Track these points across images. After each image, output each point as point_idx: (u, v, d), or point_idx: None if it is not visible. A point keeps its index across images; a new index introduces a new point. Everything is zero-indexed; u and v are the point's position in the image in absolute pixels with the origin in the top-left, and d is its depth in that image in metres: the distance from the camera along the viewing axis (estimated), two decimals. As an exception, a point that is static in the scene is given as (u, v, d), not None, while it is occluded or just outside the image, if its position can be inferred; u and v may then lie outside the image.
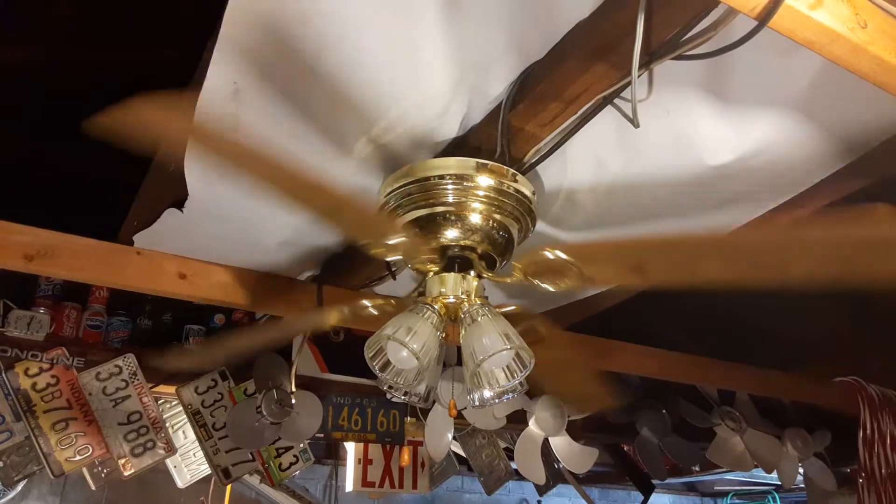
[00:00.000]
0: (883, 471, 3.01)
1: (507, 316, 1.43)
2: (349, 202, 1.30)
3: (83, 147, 2.16)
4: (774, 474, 3.19)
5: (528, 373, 1.37)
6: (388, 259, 1.55)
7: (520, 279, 1.40)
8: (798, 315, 2.96)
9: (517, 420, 2.73)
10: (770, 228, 1.04)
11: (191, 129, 1.05)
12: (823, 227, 1.03)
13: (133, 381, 2.33)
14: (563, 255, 1.27)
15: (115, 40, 1.88)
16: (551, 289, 1.39)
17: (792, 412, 3.29)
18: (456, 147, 1.56)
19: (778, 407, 3.28)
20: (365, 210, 1.41)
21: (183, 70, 1.73)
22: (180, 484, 2.71)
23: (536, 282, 1.39)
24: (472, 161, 1.45)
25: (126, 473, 2.26)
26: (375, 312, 1.55)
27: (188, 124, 1.04)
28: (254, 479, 3.60)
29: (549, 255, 1.29)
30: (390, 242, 1.39)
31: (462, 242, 1.47)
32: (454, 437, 2.85)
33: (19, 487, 3.23)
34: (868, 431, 3.04)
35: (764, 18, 1.00)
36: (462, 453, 3.18)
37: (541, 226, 1.78)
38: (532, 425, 2.71)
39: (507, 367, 1.37)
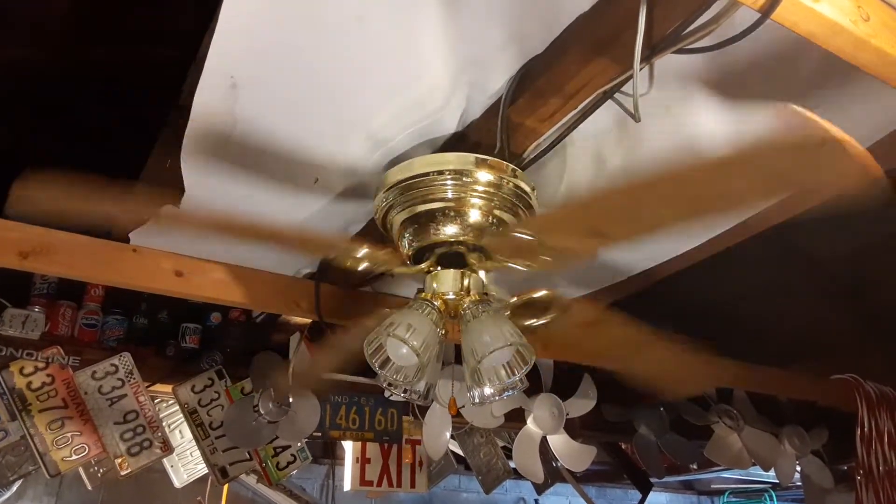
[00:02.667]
0: (881, 468, 3.01)
1: (538, 300, 1.43)
2: (312, 240, 1.41)
3: (79, 144, 2.16)
4: (772, 472, 3.20)
5: (528, 369, 1.36)
6: (359, 269, 1.57)
7: (498, 264, 1.41)
8: (795, 312, 2.96)
9: (515, 418, 2.72)
10: (710, 160, 1.02)
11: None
12: (754, 145, 0.99)
13: (129, 380, 2.32)
14: (524, 234, 1.28)
15: (111, 38, 1.87)
16: (523, 269, 1.40)
17: (789, 410, 3.29)
18: (455, 142, 1.56)
19: (775, 404, 3.28)
20: (322, 238, 1.55)
21: (179, 67, 1.72)
22: (177, 483, 2.70)
23: (510, 264, 1.39)
24: (471, 156, 1.44)
25: (122, 473, 2.25)
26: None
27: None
28: (251, 479, 3.59)
29: (514, 235, 1.30)
30: (358, 256, 1.47)
31: (461, 238, 1.46)
32: (452, 436, 2.85)
33: (15, 487, 3.20)
34: (866, 429, 3.05)
35: (767, 11, 1.00)
36: (460, 452, 3.18)
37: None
38: (530, 423, 2.70)
39: (508, 363, 1.36)
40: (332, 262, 1.50)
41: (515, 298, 1.54)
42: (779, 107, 0.92)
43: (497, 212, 1.47)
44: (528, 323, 1.56)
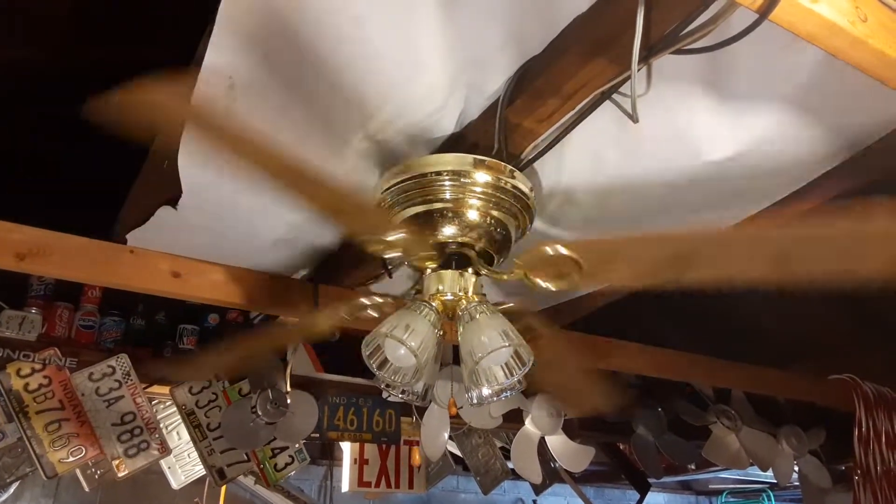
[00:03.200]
0: (878, 468, 3.01)
1: (503, 313, 1.42)
2: (347, 197, 1.28)
3: (76, 145, 2.15)
4: (770, 472, 3.19)
5: (527, 370, 1.36)
6: (385, 256, 1.53)
7: (519, 277, 1.39)
8: (793, 313, 2.96)
9: (513, 419, 2.72)
10: (773, 223, 1.04)
11: (188, 110, 1.03)
12: (826, 222, 1.03)
13: (126, 382, 2.31)
14: (565, 251, 1.26)
15: (110, 38, 1.87)
16: (552, 287, 1.38)
17: (787, 410, 3.29)
18: (453, 143, 1.56)
19: (773, 405, 3.28)
20: (363, 205, 1.40)
21: (178, 67, 1.71)
22: (175, 485, 2.70)
23: (537, 280, 1.37)
24: (469, 157, 1.44)
25: (120, 474, 2.24)
26: (375, 314, 1.54)
27: (186, 105, 1.03)
28: (248, 480, 3.59)
29: (549, 251, 1.28)
30: (389, 239, 1.38)
31: (459, 239, 1.46)
32: (450, 437, 2.84)
33: (12, 489, 3.19)
34: (863, 429, 3.05)
35: (765, 11, 1.00)
36: (458, 453, 3.17)
37: (538, 223, 1.77)
38: (528, 424, 2.70)
39: (506, 364, 1.36)
40: (361, 243, 1.42)
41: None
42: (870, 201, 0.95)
43: (495, 212, 1.47)
44: None
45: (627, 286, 2.27)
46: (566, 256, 1.27)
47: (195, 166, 1.53)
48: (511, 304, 1.51)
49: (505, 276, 1.45)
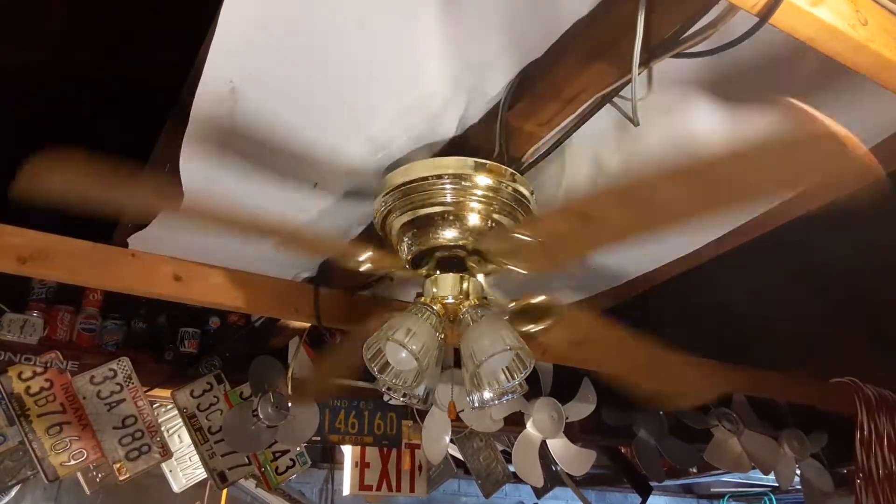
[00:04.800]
0: (880, 471, 3.01)
1: (536, 306, 1.43)
2: (309, 239, 1.44)
3: (76, 146, 2.15)
4: (771, 476, 3.19)
5: (528, 373, 1.36)
6: (360, 271, 1.57)
7: (498, 266, 1.41)
8: (794, 316, 2.96)
9: (514, 422, 2.72)
10: (710, 156, 1.03)
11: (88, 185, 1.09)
12: (754, 142, 0.99)
13: (128, 385, 2.31)
14: (524, 235, 1.28)
15: (109, 42, 1.87)
16: (525, 271, 1.39)
17: (789, 413, 3.29)
18: (454, 146, 1.55)
19: (775, 408, 3.28)
20: (324, 240, 1.55)
21: (178, 71, 1.72)
22: (176, 488, 2.70)
23: (509, 266, 1.39)
24: (470, 160, 1.44)
25: (121, 478, 2.24)
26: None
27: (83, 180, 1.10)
28: (250, 483, 3.58)
29: (512, 237, 1.31)
30: (360, 259, 1.48)
31: (460, 242, 1.46)
32: (451, 440, 2.84)
33: (13, 493, 3.19)
34: (865, 432, 3.04)
35: (765, 15, 1.00)
36: (459, 456, 3.17)
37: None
38: (530, 427, 2.70)
39: (507, 367, 1.36)
40: (335, 263, 1.49)
41: (513, 304, 1.54)
42: (780, 102, 0.91)
43: (496, 216, 1.47)
44: (525, 329, 1.56)
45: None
46: (523, 239, 1.29)
47: (196, 170, 1.53)
48: (542, 297, 1.52)
49: (488, 269, 1.47)
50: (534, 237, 1.30)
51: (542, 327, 1.57)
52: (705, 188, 1.09)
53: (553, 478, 3.34)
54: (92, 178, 1.11)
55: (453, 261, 1.47)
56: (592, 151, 1.58)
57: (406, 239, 1.50)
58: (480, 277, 1.50)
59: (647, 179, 1.11)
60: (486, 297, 1.48)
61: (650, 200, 1.14)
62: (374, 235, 1.72)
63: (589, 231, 1.26)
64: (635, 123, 1.29)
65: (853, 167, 0.90)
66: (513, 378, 1.36)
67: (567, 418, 2.72)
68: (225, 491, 3.07)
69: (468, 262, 1.47)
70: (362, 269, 1.54)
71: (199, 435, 2.41)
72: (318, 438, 2.60)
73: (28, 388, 2.17)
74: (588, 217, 1.23)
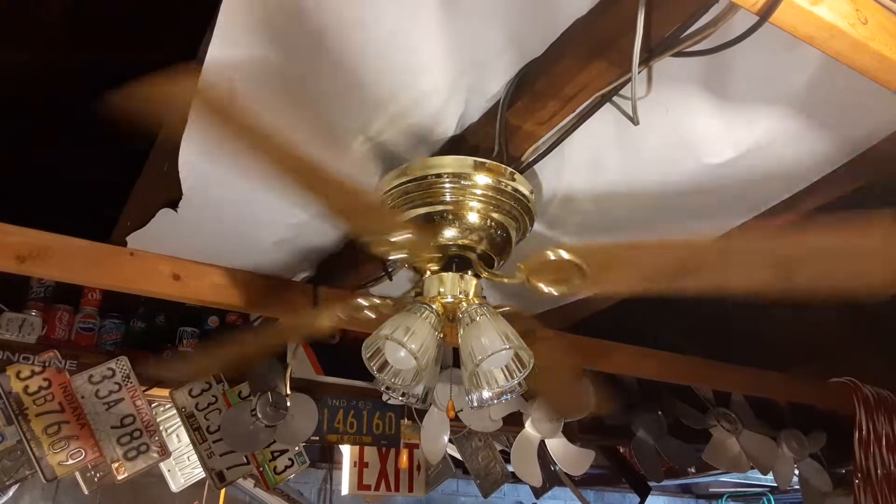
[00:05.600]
0: (879, 471, 3.01)
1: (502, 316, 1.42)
2: (355, 195, 1.28)
3: (76, 147, 2.15)
4: (770, 476, 3.19)
5: (527, 373, 1.35)
6: (388, 258, 1.53)
7: (522, 280, 1.39)
8: (793, 316, 2.96)
9: (513, 422, 2.72)
10: (774, 232, 1.04)
11: (195, 94, 1.02)
12: (825, 232, 1.04)
13: (126, 384, 2.31)
14: (568, 256, 1.26)
15: (106, 40, 1.86)
16: (554, 291, 1.38)
17: (787, 413, 3.29)
18: (454, 145, 1.55)
19: (773, 408, 3.28)
20: (371, 204, 1.39)
21: (177, 68, 1.71)
22: (174, 488, 2.69)
23: (538, 284, 1.37)
24: (469, 159, 1.44)
25: (119, 477, 2.23)
26: (372, 315, 1.54)
27: (193, 91, 1.02)
28: (248, 483, 3.58)
29: (551, 255, 1.28)
30: (393, 240, 1.38)
31: (460, 242, 1.46)
32: (450, 440, 2.84)
33: (11, 492, 3.19)
34: (864, 432, 3.04)
35: (765, 14, 1.00)
36: (458, 456, 3.17)
37: (538, 225, 1.77)
38: (528, 427, 2.70)
39: (506, 367, 1.36)
40: (365, 244, 1.43)
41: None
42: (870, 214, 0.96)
43: (495, 215, 1.47)
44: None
45: (628, 292, 2.27)
46: (569, 261, 1.27)
47: (196, 168, 1.53)
48: (508, 307, 1.51)
49: (506, 280, 1.45)
50: (583, 264, 1.28)
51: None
52: (760, 265, 1.12)
53: (552, 478, 3.34)
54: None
55: (453, 260, 1.47)
56: (592, 150, 1.58)
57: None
58: (484, 281, 1.49)
59: (705, 244, 1.13)
60: (485, 297, 1.48)
61: (704, 268, 1.17)
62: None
63: (637, 271, 1.27)
64: (635, 122, 1.29)
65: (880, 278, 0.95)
66: (512, 378, 1.36)
67: (566, 418, 2.71)
68: (223, 490, 3.07)
69: (468, 262, 1.47)
70: (392, 254, 1.48)
71: (198, 434, 2.40)
72: (317, 438, 2.59)
73: (26, 387, 2.17)
74: (641, 259, 1.24)
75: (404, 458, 3.16)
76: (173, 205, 1.68)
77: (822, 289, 1.12)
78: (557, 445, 2.71)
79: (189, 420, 2.41)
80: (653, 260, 1.27)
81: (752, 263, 1.18)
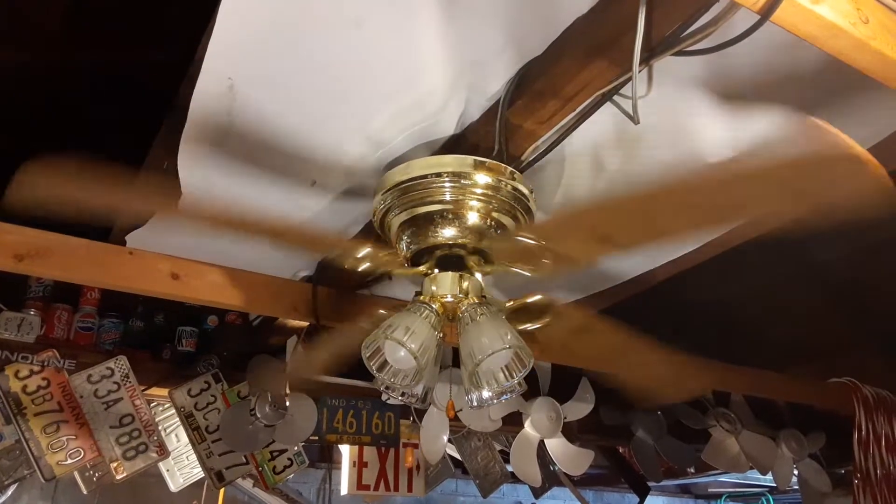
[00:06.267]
0: (878, 472, 3.01)
1: (533, 305, 1.43)
2: (307, 235, 1.42)
3: (74, 146, 2.15)
4: (769, 476, 3.19)
5: (526, 372, 1.35)
6: (359, 269, 1.56)
7: (503, 268, 1.40)
8: (793, 316, 2.96)
9: (513, 422, 2.72)
10: (726, 169, 1.03)
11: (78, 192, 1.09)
12: (772, 159, 1.01)
13: (125, 384, 2.31)
14: (529, 238, 1.27)
15: (106, 41, 1.86)
16: (529, 274, 1.39)
17: (787, 413, 3.29)
18: (453, 144, 1.55)
19: (773, 408, 3.28)
20: (323, 237, 1.54)
21: (175, 70, 1.71)
22: (173, 488, 2.69)
23: (516, 269, 1.38)
24: (469, 159, 1.43)
25: (118, 477, 2.23)
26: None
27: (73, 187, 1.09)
28: (247, 483, 3.58)
29: (519, 241, 1.29)
30: (359, 256, 1.47)
31: (460, 241, 1.46)
32: (450, 440, 2.84)
33: (9, 492, 3.19)
34: (863, 432, 3.04)
35: (766, 13, 1.00)
36: (457, 456, 3.17)
37: (538, 225, 1.77)
38: (528, 427, 2.70)
39: (506, 366, 1.36)
40: (333, 261, 1.49)
41: (511, 303, 1.54)
42: (800, 119, 0.92)
43: (495, 214, 1.47)
44: (522, 327, 1.56)
45: (626, 291, 2.27)
46: (532, 243, 1.28)
47: (194, 168, 1.52)
48: (540, 297, 1.52)
49: (488, 269, 1.46)
50: (539, 241, 1.30)
51: (538, 325, 1.58)
52: (711, 202, 1.09)
53: (551, 478, 3.34)
54: (85, 184, 1.11)
55: (453, 259, 1.47)
56: (592, 150, 1.57)
57: (405, 237, 1.50)
58: (479, 276, 1.49)
59: (656, 193, 1.11)
60: (484, 296, 1.47)
61: (659, 213, 1.15)
62: (372, 234, 1.72)
63: (593, 237, 1.27)
64: (636, 122, 1.29)
65: (871, 187, 0.91)
66: (511, 377, 1.36)
67: (565, 418, 2.71)
68: (222, 490, 3.07)
69: (469, 262, 1.47)
70: (361, 267, 1.53)
71: (197, 434, 2.40)
72: (316, 438, 2.59)
73: (25, 386, 2.16)
74: (592, 223, 1.23)
75: (410, 457, 3.16)
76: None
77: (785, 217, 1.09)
78: (557, 445, 2.70)
79: (188, 420, 2.40)
80: (612, 219, 1.25)
81: (716, 202, 1.14)
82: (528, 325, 1.58)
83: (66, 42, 1.84)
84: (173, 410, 2.44)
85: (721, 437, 3.05)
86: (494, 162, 1.44)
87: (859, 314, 2.95)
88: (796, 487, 3.39)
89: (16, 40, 1.83)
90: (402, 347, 1.31)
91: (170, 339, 2.58)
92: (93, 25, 1.82)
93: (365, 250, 1.47)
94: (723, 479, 5.05)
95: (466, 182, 1.43)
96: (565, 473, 3.29)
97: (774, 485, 3.65)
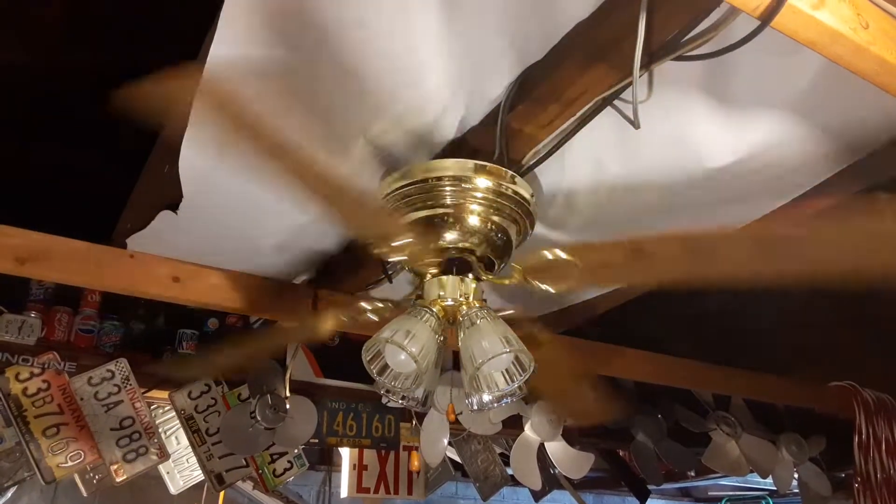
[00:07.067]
0: (878, 475, 3.01)
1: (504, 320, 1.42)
2: (356, 196, 1.29)
3: (76, 149, 2.15)
4: (769, 479, 3.19)
5: (528, 376, 1.35)
6: (389, 260, 1.53)
7: (519, 280, 1.39)
8: (793, 319, 2.96)
9: (513, 425, 2.72)
10: (781, 222, 1.04)
11: (197, 91, 1.01)
12: (833, 220, 1.03)
13: (125, 386, 2.30)
14: (563, 255, 1.26)
15: (106, 40, 1.86)
16: (552, 290, 1.38)
17: (787, 417, 3.29)
18: (454, 149, 1.55)
19: (773, 412, 3.28)
20: (371, 207, 1.40)
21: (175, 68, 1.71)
22: (173, 490, 2.69)
23: (536, 283, 1.38)
24: (470, 163, 1.43)
25: (118, 480, 2.23)
26: (375, 318, 1.54)
27: (195, 88, 1.01)
28: (247, 486, 3.58)
29: (548, 255, 1.28)
30: (395, 244, 1.38)
31: (460, 245, 1.46)
32: (450, 443, 2.84)
33: (9, 494, 3.19)
34: (863, 436, 3.04)
35: (766, 18, 1.00)
36: (457, 459, 3.17)
37: (539, 228, 1.77)
38: (528, 430, 2.70)
39: (507, 370, 1.36)
40: (366, 246, 1.43)
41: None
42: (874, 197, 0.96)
43: (496, 218, 1.47)
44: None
45: (627, 288, 2.27)
46: (564, 259, 1.28)
47: (196, 170, 1.52)
48: (511, 311, 1.51)
49: (506, 281, 1.45)
50: (576, 261, 1.29)
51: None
52: (773, 253, 1.11)
53: (551, 481, 3.33)
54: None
55: (453, 263, 1.47)
56: (593, 154, 1.58)
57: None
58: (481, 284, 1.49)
59: (714, 234, 1.13)
60: (485, 299, 1.48)
61: (712, 252, 1.16)
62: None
63: (637, 267, 1.27)
64: (636, 126, 1.29)
65: None
66: (512, 381, 1.36)
67: (565, 421, 2.71)
68: (222, 493, 3.06)
69: (469, 265, 1.47)
70: (391, 256, 1.48)
71: (197, 437, 2.40)
72: (316, 440, 2.59)
73: (25, 389, 2.16)
74: (641, 253, 1.24)
75: (415, 461, 3.16)
76: (173, 207, 1.68)
77: (832, 277, 1.12)
78: (557, 448, 2.70)
79: (188, 422, 2.40)
80: (652, 252, 1.26)
81: (757, 253, 1.16)
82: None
83: (66, 42, 1.85)
84: (173, 413, 2.44)
85: (721, 441, 3.05)
86: (495, 166, 1.44)
87: (860, 318, 2.95)
88: (797, 491, 3.39)
89: (16, 40, 1.83)
90: (402, 351, 1.31)
91: (170, 342, 2.57)
92: (93, 25, 1.82)
93: (406, 239, 1.38)
94: (723, 482, 5.04)
95: (467, 186, 1.43)
96: (565, 477, 3.29)
97: (775, 488, 3.64)
